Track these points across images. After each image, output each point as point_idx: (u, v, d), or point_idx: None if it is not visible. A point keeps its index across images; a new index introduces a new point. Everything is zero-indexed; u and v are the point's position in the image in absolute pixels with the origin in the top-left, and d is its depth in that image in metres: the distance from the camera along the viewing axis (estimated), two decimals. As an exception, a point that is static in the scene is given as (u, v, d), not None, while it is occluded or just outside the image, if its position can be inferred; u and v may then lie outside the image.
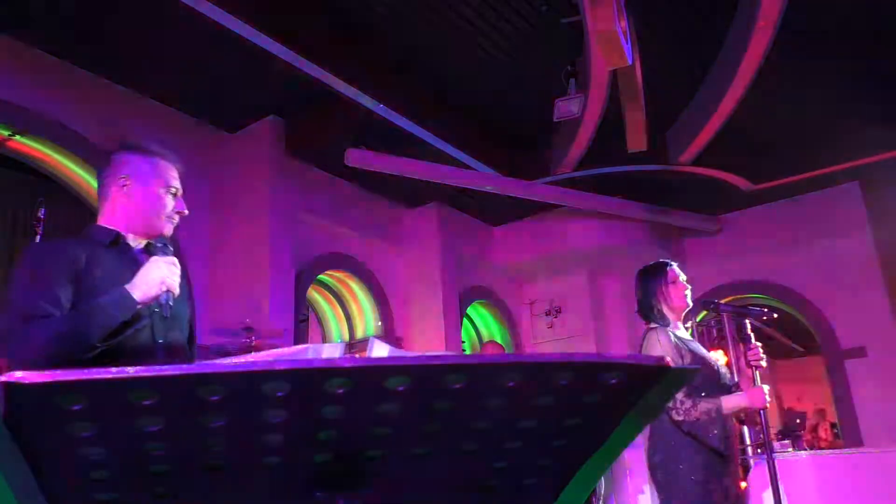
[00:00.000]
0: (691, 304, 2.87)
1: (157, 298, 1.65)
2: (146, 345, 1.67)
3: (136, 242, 1.83)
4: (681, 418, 2.56)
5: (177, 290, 1.68)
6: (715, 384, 2.67)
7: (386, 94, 5.47)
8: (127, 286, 1.62)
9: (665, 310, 2.81)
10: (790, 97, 5.87)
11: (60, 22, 4.73)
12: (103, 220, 1.83)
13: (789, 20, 4.47)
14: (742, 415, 2.78)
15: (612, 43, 4.16)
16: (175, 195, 1.85)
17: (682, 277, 2.87)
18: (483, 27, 5.05)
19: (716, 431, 2.57)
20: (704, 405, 2.56)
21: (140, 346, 1.66)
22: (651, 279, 2.87)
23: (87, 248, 1.71)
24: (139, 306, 1.61)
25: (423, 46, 5.26)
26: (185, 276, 1.83)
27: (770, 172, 7.22)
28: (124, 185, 1.82)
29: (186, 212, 1.87)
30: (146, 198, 1.81)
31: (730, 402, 2.61)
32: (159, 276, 1.65)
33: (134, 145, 1.90)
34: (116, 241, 1.79)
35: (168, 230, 1.85)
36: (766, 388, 2.68)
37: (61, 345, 1.50)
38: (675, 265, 2.91)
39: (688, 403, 2.55)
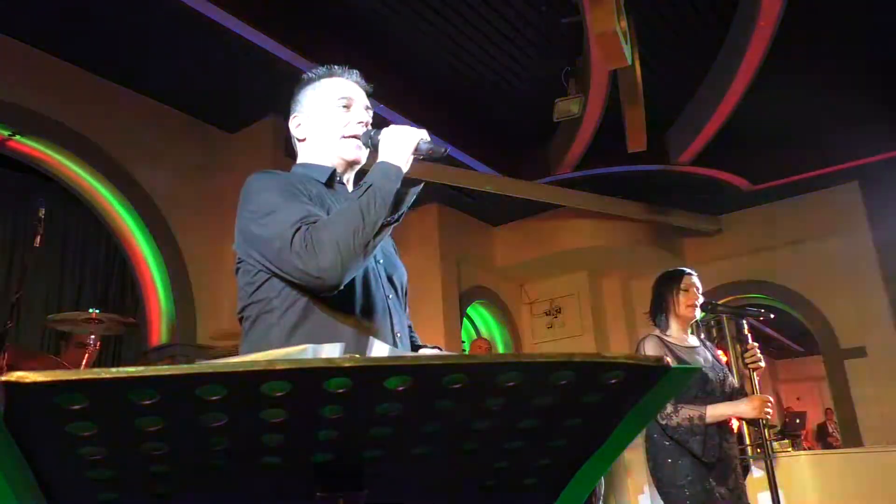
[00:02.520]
0: (698, 316, 2.88)
1: (417, 153, 1.44)
2: (380, 300, 1.48)
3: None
4: (664, 422, 2.59)
5: (429, 137, 1.46)
6: (700, 391, 2.67)
7: (386, 94, 5.47)
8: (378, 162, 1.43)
9: (671, 315, 2.84)
10: (790, 97, 5.87)
11: (61, 22, 4.73)
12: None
13: (789, 20, 4.47)
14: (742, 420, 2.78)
15: (612, 43, 4.16)
16: (347, 106, 1.59)
17: (696, 288, 2.88)
18: (483, 27, 5.06)
19: (697, 438, 2.57)
20: (686, 412, 2.58)
21: (375, 302, 1.47)
22: (665, 282, 2.91)
23: (304, 182, 1.51)
24: (402, 172, 1.42)
25: (423, 46, 5.26)
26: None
27: (770, 172, 7.22)
28: (298, 126, 1.65)
29: (368, 120, 1.59)
30: (319, 126, 1.60)
31: (716, 411, 2.62)
32: (399, 134, 1.44)
33: (302, 78, 1.68)
34: (332, 179, 1.59)
35: (353, 152, 1.59)
36: (767, 398, 2.67)
37: (351, 237, 1.30)
38: (693, 275, 2.92)
39: (668, 409, 2.58)
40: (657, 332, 2.84)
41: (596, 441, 0.76)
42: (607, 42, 4.17)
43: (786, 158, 6.96)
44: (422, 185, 1.49)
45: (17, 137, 4.91)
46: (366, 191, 1.36)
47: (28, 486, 0.64)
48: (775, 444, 5.15)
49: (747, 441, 6.09)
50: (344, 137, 1.58)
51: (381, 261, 1.55)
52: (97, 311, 3.63)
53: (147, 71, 5.32)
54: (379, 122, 1.59)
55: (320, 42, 4.98)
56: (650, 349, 2.72)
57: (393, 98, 5.54)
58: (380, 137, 1.48)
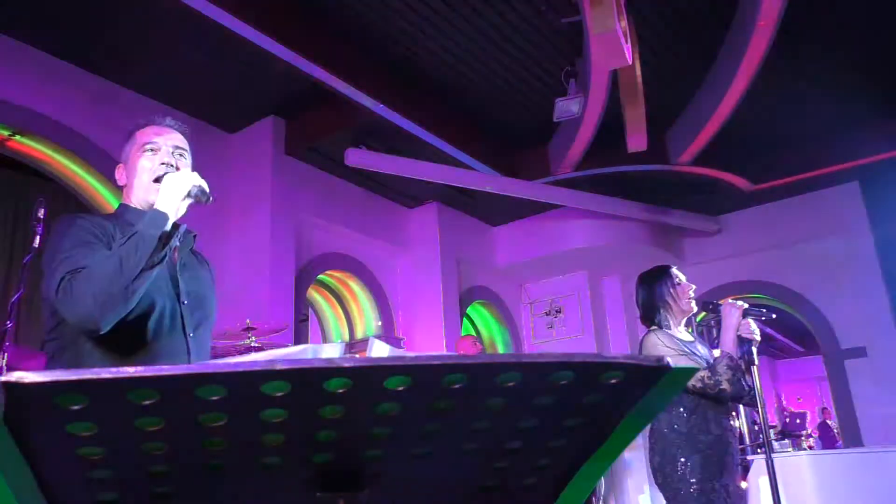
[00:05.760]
0: (696, 307, 2.87)
1: (189, 197, 1.57)
2: (178, 341, 1.60)
3: None
4: (714, 391, 2.62)
5: (204, 183, 1.60)
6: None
7: (386, 94, 5.47)
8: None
9: (671, 313, 2.82)
10: (790, 97, 5.88)
11: (60, 22, 4.73)
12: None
13: (789, 20, 4.47)
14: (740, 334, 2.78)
15: (612, 43, 4.16)
16: (154, 150, 1.73)
17: (684, 279, 2.89)
18: (483, 27, 5.06)
19: (737, 376, 2.63)
20: (721, 369, 2.62)
21: (172, 342, 1.58)
22: (656, 283, 2.87)
23: (116, 224, 1.66)
24: (169, 218, 1.53)
25: (423, 46, 5.26)
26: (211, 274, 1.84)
27: (770, 172, 7.22)
28: (120, 175, 1.79)
29: (170, 161, 1.73)
30: (134, 171, 1.73)
31: (727, 346, 2.67)
32: (174, 181, 1.57)
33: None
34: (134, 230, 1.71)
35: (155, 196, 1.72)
36: (739, 303, 2.79)
37: (107, 286, 1.41)
38: (675, 267, 2.92)
39: (704, 375, 2.62)
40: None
41: (596, 441, 0.76)
42: (607, 42, 4.17)
43: (786, 158, 6.96)
44: (184, 227, 1.68)
45: (17, 137, 4.92)
46: (129, 238, 1.49)
47: (28, 486, 0.64)
48: (775, 444, 5.15)
49: (747, 441, 6.09)
50: (152, 182, 1.69)
51: (186, 301, 1.65)
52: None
53: (147, 71, 5.32)
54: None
55: (320, 42, 4.98)
56: (666, 341, 2.70)
57: (393, 98, 5.54)
58: (165, 177, 1.61)
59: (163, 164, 1.72)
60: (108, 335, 1.47)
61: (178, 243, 1.61)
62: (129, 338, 1.52)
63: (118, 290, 1.42)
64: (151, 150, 1.74)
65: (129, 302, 1.46)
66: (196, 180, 1.61)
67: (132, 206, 1.74)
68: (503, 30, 5.10)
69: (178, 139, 1.80)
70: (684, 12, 4.97)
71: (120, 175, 1.79)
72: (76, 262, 1.48)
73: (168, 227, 1.53)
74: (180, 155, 1.77)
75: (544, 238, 8.22)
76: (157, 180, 1.67)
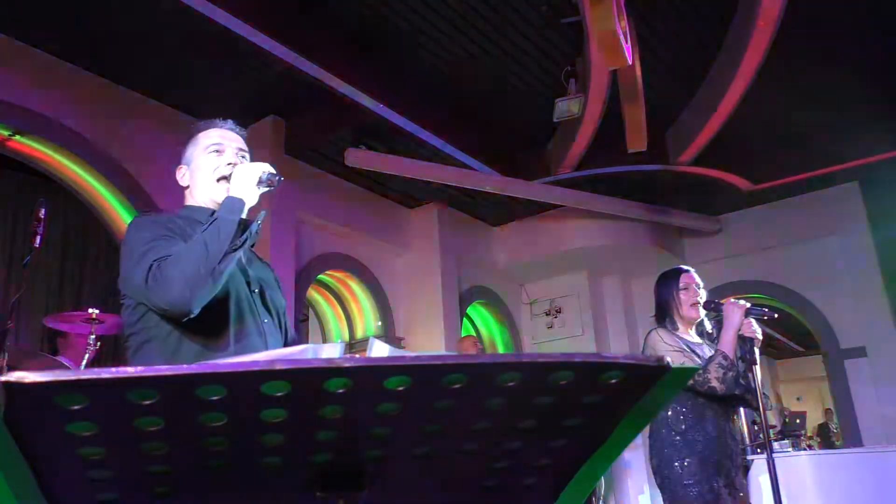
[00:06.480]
0: (702, 314, 2.86)
1: (260, 185, 1.65)
2: (253, 327, 1.65)
3: None
4: (704, 386, 2.61)
5: (272, 169, 1.67)
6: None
7: (386, 94, 5.47)
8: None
9: (675, 316, 2.84)
10: (790, 97, 5.87)
11: (60, 22, 4.73)
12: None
13: (789, 20, 4.47)
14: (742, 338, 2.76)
15: (612, 43, 4.16)
16: (219, 151, 1.80)
17: (696, 285, 2.87)
18: (483, 27, 5.05)
19: (731, 374, 2.61)
20: (712, 367, 2.62)
21: (248, 328, 1.64)
22: (662, 286, 2.91)
23: (184, 221, 1.72)
24: (245, 204, 1.62)
25: (423, 46, 5.26)
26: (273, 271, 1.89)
27: (770, 172, 7.22)
28: (182, 176, 1.85)
29: (235, 162, 1.79)
30: (199, 171, 1.81)
31: (725, 346, 2.65)
32: (245, 170, 1.66)
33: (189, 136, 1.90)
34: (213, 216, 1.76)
35: (223, 195, 1.76)
36: (741, 302, 2.75)
37: (196, 269, 1.48)
38: (691, 271, 2.92)
39: (700, 377, 2.61)
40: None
41: (596, 441, 0.76)
42: (607, 42, 4.17)
43: (786, 158, 6.96)
44: (263, 214, 1.70)
45: (17, 137, 4.92)
46: (210, 224, 1.57)
47: (28, 486, 0.64)
48: (775, 445, 5.15)
49: (748, 441, 6.09)
50: (217, 181, 1.78)
51: (257, 290, 1.73)
52: (97, 311, 3.63)
53: (147, 71, 5.32)
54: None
55: (320, 42, 4.98)
56: (666, 338, 2.72)
57: (393, 98, 5.54)
58: (232, 174, 1.69)
59: (229, 164, 1.80)
60: (192, 322, 1.52)
61: (258, 227, 1.66)
62: (211, 324, 1.57)
63: (206, 272, 1.49)
64: (217, 150, 1.80)
65: (217, 283, 1.52)
66: (264, 167, 1.68)
67: (196, 205, 1.81)
68: (503, 30, 5.10)
69: (241, 142, 1.87)
70: (684, 12, 4.97)
71: (181, 176, 1.85)
72: (161, 251, 1.54)
73: (244, 213, 1.61)
74: (243, 157, 1.83)
75: (544, 238, 8.21)
76: (224, 179, 1.74)
